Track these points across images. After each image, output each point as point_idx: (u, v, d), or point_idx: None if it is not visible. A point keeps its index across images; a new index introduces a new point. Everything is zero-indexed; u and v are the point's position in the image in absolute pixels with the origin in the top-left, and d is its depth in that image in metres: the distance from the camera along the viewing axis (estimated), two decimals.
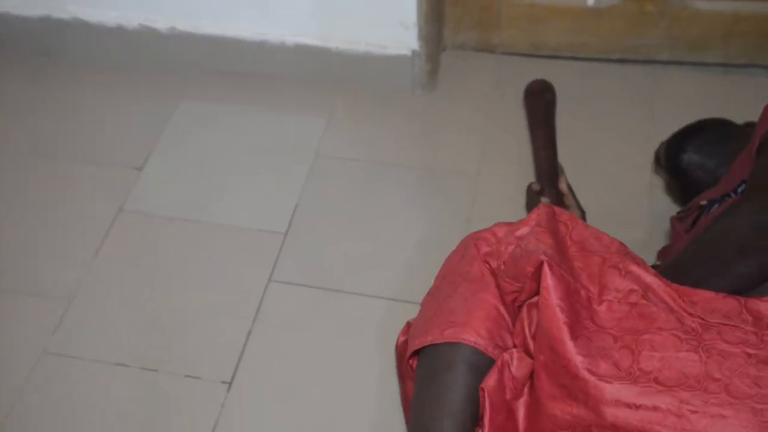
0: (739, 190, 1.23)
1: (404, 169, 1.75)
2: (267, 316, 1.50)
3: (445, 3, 1.88)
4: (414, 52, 1.79)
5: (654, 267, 1.29)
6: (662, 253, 1.43)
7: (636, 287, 1.02)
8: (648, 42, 1.88)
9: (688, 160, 1.50)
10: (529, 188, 1.60)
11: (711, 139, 1.50)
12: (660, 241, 1.56)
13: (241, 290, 1.54)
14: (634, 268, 1.04)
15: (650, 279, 1.03)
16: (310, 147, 1.78)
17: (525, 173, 1.70)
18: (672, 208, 1.63)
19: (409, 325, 1.15)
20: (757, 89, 1.83)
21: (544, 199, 1.55)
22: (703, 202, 1.31)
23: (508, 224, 1.15)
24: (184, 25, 1.85)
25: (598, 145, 1.75)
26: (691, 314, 0.99)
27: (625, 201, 1.66)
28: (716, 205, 1.27)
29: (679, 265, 1.10)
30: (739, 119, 1.68)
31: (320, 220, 1.66)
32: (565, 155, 1.66)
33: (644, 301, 1.01)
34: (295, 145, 1.79)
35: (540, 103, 1.74)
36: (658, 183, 1.69)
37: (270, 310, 1.51)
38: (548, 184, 1.58)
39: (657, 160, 1.62)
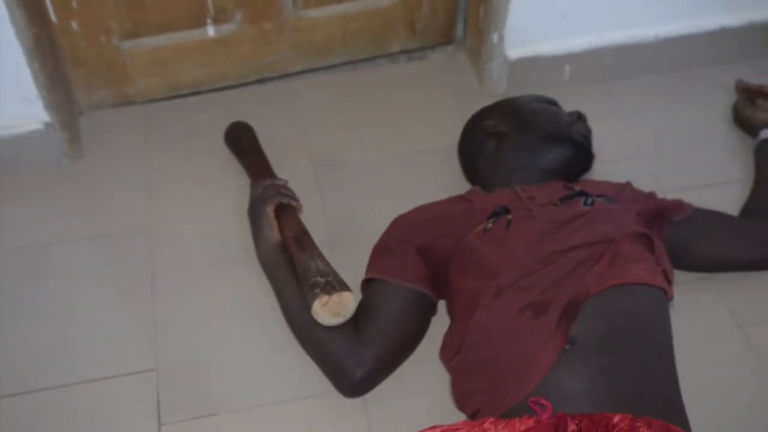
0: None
1: (75, 243, 1.65)
2: None
3: (66, 67, 1.81)
4: (47, 124, 1.70)
5: None
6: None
7: None
8: (279, 58, 1.95)
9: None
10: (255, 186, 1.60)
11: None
12: None
13: None
14: None
15: None
16: None
17: (195, 214, 1.70)
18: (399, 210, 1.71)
19: None
20: (383, 77, 1.98)
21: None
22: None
23: None
24: None
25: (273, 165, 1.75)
26: None
27: None
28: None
29: None
30: (375, 108, 1.81)
31: None
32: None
33: None
34: None
35: (241, 137, 1.76)
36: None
37: None
38: (270, 177, 1.62)
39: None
